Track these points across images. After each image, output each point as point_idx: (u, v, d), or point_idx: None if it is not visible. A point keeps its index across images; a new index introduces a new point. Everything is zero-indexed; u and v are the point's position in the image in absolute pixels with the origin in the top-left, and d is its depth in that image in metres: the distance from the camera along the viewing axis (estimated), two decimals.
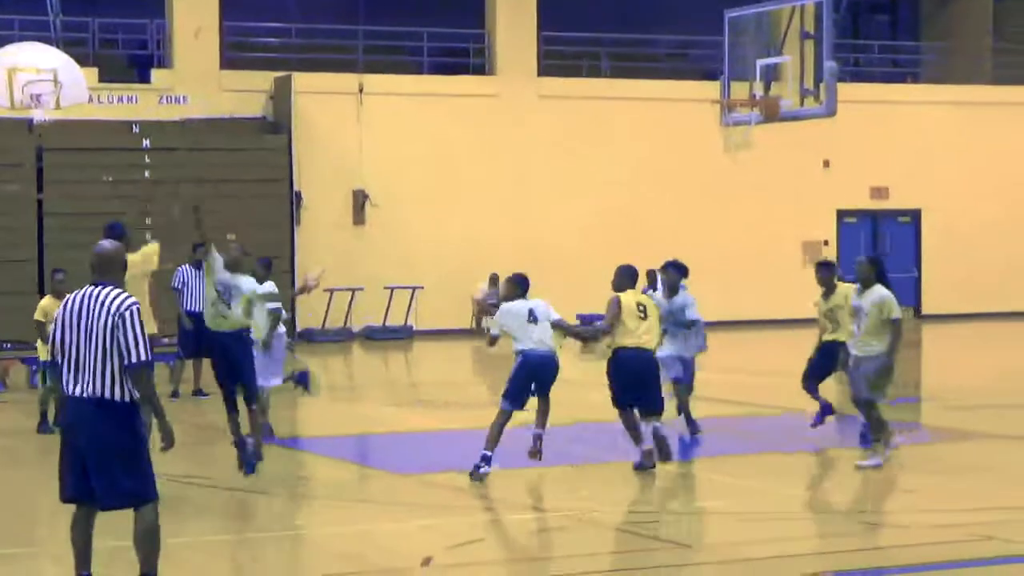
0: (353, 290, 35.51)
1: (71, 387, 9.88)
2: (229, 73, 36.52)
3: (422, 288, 36.21)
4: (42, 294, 23.56)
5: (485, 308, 36.82)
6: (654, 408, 16.03)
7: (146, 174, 34.50)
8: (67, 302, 10.05)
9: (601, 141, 38.17)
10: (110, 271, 10.09)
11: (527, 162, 37.73)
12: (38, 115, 26.82)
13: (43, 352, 18.74)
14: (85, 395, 9.82)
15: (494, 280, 36.63)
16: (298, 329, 34.49)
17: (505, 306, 15.75)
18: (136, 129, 34.87)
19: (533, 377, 15.53)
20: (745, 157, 29.64)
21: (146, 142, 34.73)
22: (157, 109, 35.47)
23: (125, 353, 9.77)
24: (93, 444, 9.82)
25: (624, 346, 15.89)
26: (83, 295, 9.99)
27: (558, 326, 15.75)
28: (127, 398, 9.84)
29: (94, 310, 9.88)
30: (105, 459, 9.82)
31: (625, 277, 16.15)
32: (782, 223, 39.49)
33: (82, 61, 29.73)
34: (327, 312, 34.59)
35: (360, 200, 36.63)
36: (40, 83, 25.97)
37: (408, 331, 36.32)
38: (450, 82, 38.45)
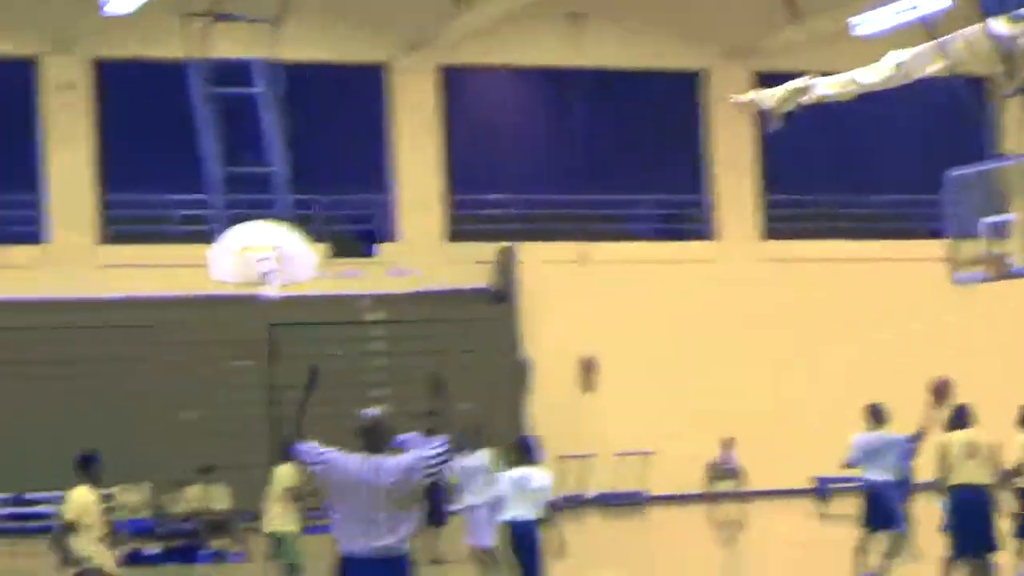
0: (584, 456, 35.44)
1: (354, 547, 9.93)
2: (454, 245, 37.08)
3: (654, 453, 35.98)
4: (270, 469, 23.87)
5: (719, 472, 36.40)
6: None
7: (375, 346, 35.06)
8: (341, 467, 10.08)
9: (828, 303, 37.77)
10: (381, 437, 10.20)
11: (753, 326, 37.45)
12: (268, 292, 27.46)
13: (287, 521, 18.75)
14: (377, 556, 9.89)
15: (727, 444, 36.24)
16: None
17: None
18: (365, 303, 35.48)
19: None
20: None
21: (375, 316, 35.32)
22: (384, 282, 36.08)
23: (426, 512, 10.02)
24: None
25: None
26: (357, 460, 10.07)
27: None
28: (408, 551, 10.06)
29: (380, 473, 9.98)
30: None
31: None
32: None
33: (312, 237, 30.43)
34: (560, 479, 34.58)
35: (588, 367, 36.66)
36: (270, 261, 26.63)
37: (642, 497, 36.06)
38: (673, 248, 38.50)
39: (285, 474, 19.10)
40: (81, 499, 12.68)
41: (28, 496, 32.01)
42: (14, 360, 32.73)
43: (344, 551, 9.97)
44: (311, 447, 10.18)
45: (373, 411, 10.52)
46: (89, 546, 12.67)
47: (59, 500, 31.58)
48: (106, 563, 12.60)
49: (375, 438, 10.19)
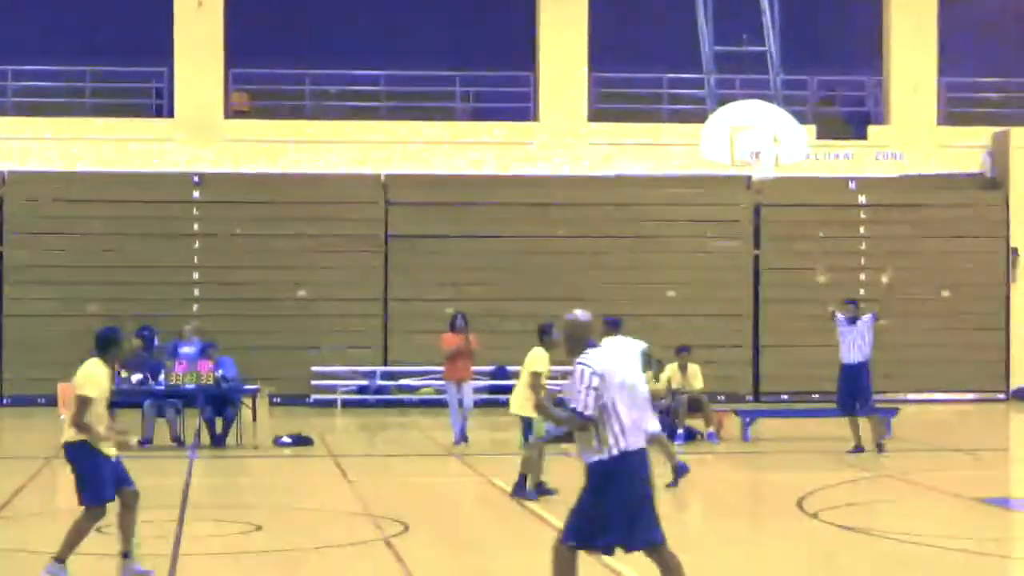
0: None
1: (628, 443, 10.21)
2: (946, 129, 36.15)
3: None
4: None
5: None
6: None
7: (860, 230, 34.65)
8: (608, 365, 10.25)
9: None
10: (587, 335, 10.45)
11: None
12: (757, 173, 27.40)
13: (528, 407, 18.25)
14: (639, 447, 10.27)
15: None
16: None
17: None
18: (852, 186, 35.05)
19: None
20: None
21: (862, 199, 34.88)
22: (873, 165, 35.53)
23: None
24: (647, 492, 10.27)
25: None
26: (615, 355, 10.36)
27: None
28: None
29: (628, 368, 10.38)
30: (649, 504, 10.27)
31: None
32: None
33: (801, 118, 30.17)
34: None
35: None
36: (760, 141, 26.52)
37: None
38: None
39: (535, 359, 18.28)
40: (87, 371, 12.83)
41: (509, 369, 33.08)
42: (495, 235, 33.72)
43: (624, 447, 10.17)
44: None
45: (580, 312, 10.49)
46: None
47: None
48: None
49: (586, 336, 10.40)
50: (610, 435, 10.16)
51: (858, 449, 22.59)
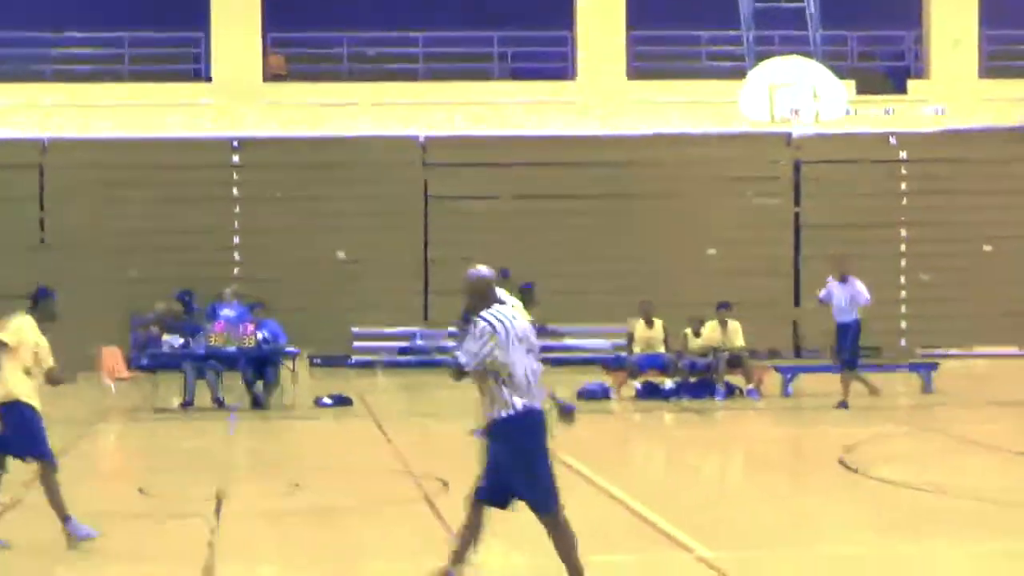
0: None
1: (528, 401, 10.21)
2: (988, 82, 35.86)
3: None
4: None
5: None
6: None
7: (902, 186, 34.48)
8: (510, 322, 10.18)
9: None
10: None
11: None
12: (798, 129, 27.29)
13: None
14: (539, 406, 10.30)
15: None
16: None
17: None
18: (893, 141, 34.82)
19: None
20: None
21: (903, 154, 34.67)
22: (914, 120, 35.28)
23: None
24: (544, 451, 10.30)
25: None
26: (512, 314, 10.26)
27: None
28: None
29: (527, 324, 10.30)
30: (543, 464, 10.36)
31: None
32: None
33: (840, 74, 29.98)
34: None
35: None
36: (800, 97, 26.43)
37: None
38: None
39: None
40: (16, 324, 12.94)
41: (549, 328, 33.00)
42: (535, 195, 33.67)
43: (526, 404, 10.14)
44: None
45: (482, 269, 10.41)
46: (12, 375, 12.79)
47: (579, 333, 32.79)
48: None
49: (488, 291, 10.32)
50: (510, 391, 10.13)
51: (843, 404, 22.59)
